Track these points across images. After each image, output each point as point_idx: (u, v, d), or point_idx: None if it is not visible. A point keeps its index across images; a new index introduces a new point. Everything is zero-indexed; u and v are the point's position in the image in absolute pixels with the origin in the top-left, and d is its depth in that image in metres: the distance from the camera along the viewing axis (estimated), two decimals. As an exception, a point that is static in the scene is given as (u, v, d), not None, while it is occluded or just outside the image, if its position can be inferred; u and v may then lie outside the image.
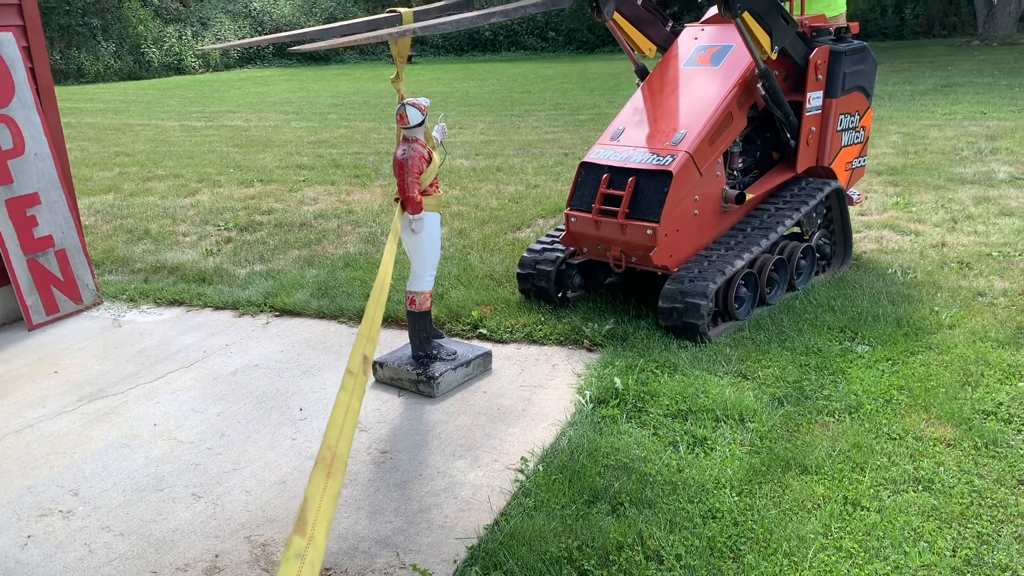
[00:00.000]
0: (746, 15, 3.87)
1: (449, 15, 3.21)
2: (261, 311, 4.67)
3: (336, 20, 33.03)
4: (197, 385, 3.80)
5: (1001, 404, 3.21)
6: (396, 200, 3.52)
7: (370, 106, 14.56)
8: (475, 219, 6.36)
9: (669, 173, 3.93)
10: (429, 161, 3.47)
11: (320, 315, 4.57)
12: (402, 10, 3.27)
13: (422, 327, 3.68)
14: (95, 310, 4.82)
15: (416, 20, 3.27)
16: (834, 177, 4.67)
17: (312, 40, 3.18)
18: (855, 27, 4.71)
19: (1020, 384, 3.35)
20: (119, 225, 6.55)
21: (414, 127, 3.42)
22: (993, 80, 14.23)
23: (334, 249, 5.74)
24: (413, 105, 3.38)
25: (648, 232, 3.94)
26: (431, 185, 3.52)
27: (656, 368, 3.62)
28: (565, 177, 7.73)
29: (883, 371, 3.51)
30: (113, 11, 27.55)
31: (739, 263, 4.00)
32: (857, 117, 4.72)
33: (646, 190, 3.99)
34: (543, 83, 18.42)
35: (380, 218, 6.50)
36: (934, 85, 13.99)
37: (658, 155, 4.03)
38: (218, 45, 3.08)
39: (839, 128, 4.61)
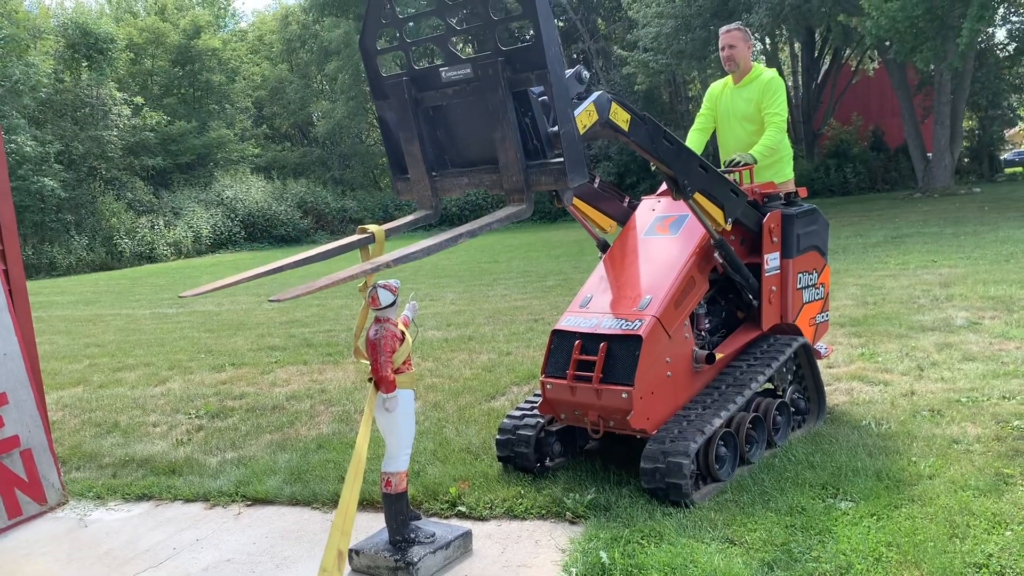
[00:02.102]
0: (697, 195, 4.09)
1: (417, 236, 3.37)
2: (233, 501, 4.54)
3: (307, 204, 34.17)
4: (165, 586, 3.63)
5: (991, 556, 3.15)
6: (369, 380, 3.53)
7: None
8: (449, 391, 6.35)
9: (639, 337, 4.01)
10: (402, 340, 3.51)
11: (293, 502, 4.44)
12: (373, 228, 3.41)
13: (399, 510, 3.59)
14: (60, 510, 4.65)
15: (387, 236, 3.41)
16: (800, 333, 4.78)
17: (291, 268, 3.28)
18: (803, 191, 4.97)
19: (1007, 533, 3.31)
20: (87, 419, 6.43)
21: (386, 308, 3.48)
22: (939, 230, 14.91)
23: (307, 431, 5.66)
24: (384, 287, 3.46)
25: (623, 396, 3.97)
26: (404, 363, 3.54)
27: (642, 538, 3.53)
28: (537, 343, 7.81)
29: (869, 527, 3.45)
30: (87, 206, 28.29)
31: (717, 421, 4.01)
32: (815, 275, 4.90)
33: (618, 355, 4.05)
34: (510, 252, 18.97)
35: (353, 396, 6.47)
36: (885, 237, 14.61)
37: (627, 320, 4.12)
38: (198, 290, 3.19)
39: (799, 286, 4.77)
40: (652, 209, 4.82)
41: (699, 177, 4.08)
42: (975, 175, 31.01)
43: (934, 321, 7.25)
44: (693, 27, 25.34)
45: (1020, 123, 43.40)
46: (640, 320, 4.08)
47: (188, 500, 4.63)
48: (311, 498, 4.44)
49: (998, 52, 29.86)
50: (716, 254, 4.33)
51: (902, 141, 28.67)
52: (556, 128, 3.20)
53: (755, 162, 4.90)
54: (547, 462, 4.44)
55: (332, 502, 4.36)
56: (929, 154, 25.84)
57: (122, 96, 31.43)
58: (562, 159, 3.20)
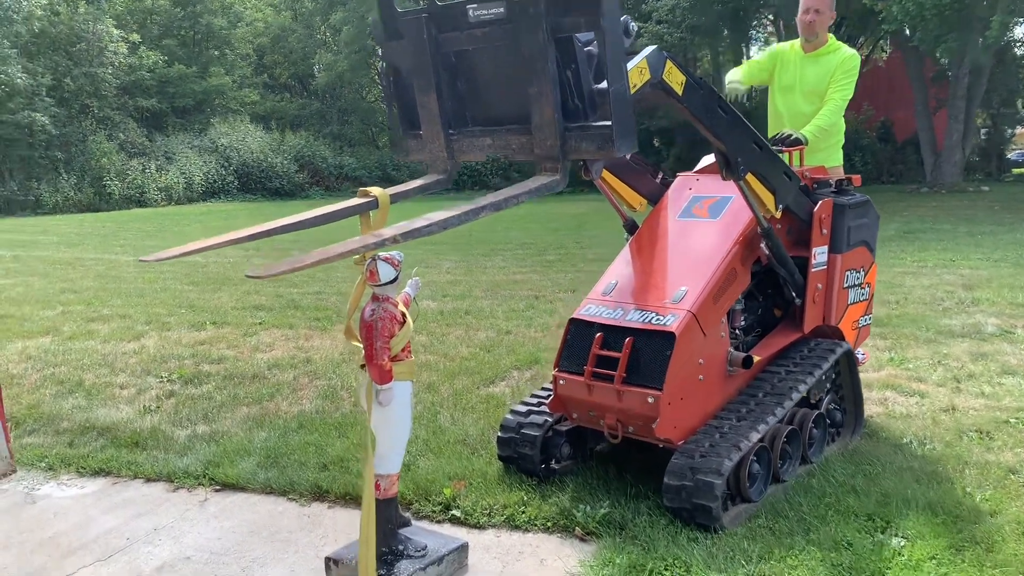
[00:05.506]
0: (749, 176, 3.56)
1: (424, 203, 2.85)
2: (199, 484, 4.06)
3: (304, 157, 33.39)
4: (113, 586, 3.15)
5: (1081, 623, 2.71)
6: (362, 366, 3.03)
7: (335, 242, 14.23)
8: (445, 371, 5.86)
9: (672, 334, 3.50)
10: (402, 323, 3.01)
11: (267, 490, 3.96)
12: (376, 191, 2.91)
13: (387, 517, 3.11)
14: (5, 481, 4.16)
15: (392, 201, 2.91)
16: (842, 337, 4.30)
17: (279, 233, 2.78)
18: (857, 180, 4.47)
19: (1095, 594, 2.87)
20: (50, 375, 5.92)
21: (386, 284, 2.98)
22: (952, 227, 14.45)
23: (288, 406, 5.17)
24: (386, 260, 2.95)
25: (649, 400, 3.48)
26: (403, 349, 3.04)
27: (665, 568, 3.07)
28: (538, 323, 7.32)
29: (929, 574, 3.00)
30: (78, 144, 27.50)
31: (755, 436, 3.52)
32: (862, 273, 4.40)
33: (646, 353, 3.55)
34: (508, 223, 18.39)
35: (340, 368, 5.97)
36: (896, 231, 14.11)
37: (658, 314, 3.62)
38: (161, 255, 2.59)
39: (845, 285, 4.27)
40: (689, 188, 4.29)
41: (753, 155, 3.56)
42: (983, 173, 30.51)
43: (963, 326, 6.79)
44: (712, 1, 24.61)
45: (1028, 123, 42.91)
46: (673, 314, 3.58)
47: (149, 479, 4.15)
48: (287, 487, 3.96)
49: (1016, 49, 29.22)
50: (763, 244, 3.83)
51: (909, 134, 28.10)
52: (604, 85, 2.67)
53: (806, 143, 4.39)
54: (553, 464, 3.97)
55: (310, 493, 3.90)
56: (940, 149, 25.31)
57: (119, 33, 30.40)
58: (608, 123, 2.67)
